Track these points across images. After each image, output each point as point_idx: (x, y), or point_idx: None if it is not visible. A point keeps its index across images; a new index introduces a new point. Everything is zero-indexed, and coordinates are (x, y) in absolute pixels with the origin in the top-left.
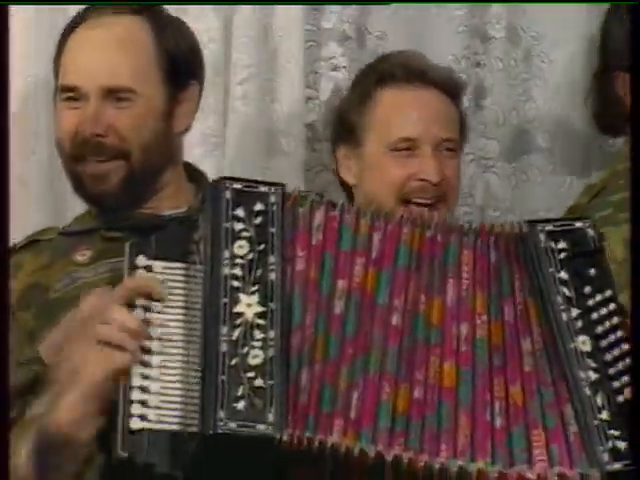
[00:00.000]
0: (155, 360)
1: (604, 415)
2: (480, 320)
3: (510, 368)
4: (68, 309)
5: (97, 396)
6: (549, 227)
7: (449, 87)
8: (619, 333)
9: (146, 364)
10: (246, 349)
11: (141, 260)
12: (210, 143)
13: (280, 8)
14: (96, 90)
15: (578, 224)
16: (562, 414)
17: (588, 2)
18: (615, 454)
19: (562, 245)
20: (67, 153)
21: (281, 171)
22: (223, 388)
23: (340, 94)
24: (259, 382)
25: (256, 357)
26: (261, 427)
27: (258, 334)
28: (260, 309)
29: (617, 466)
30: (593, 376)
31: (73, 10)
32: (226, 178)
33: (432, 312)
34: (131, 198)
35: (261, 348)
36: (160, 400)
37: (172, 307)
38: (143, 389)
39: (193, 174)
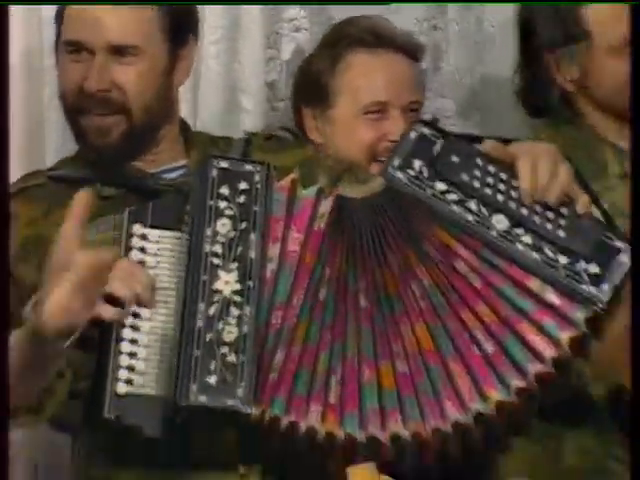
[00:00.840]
0: (145, 326)
1: (563, 260)
2: (419, 271)
3: (468, 295)
4: None
5: (83, 288)
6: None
7: (413, 51)
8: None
9: (135, 329)
10: (221, 325)
11: (137, 229)
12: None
13: None
14: (103, 46)
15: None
16: (532, 292)
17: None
18: (594, 280)
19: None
20: (70, 105)
21: (243, 128)
22: (197, 362)
23: (302, 55)
24: (232, 358)
25: (230, 333)
26: (230, 402)
27: (234, 311)
28: (237, 287)
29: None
30: (529, 239)
31: None
32: (215, 156)
33: (387, 284)
34: (130, 152)
35: (236, 325)
36: (146, 366)
37: (163, 275)
38: (131, 354)
39: (183, 127)
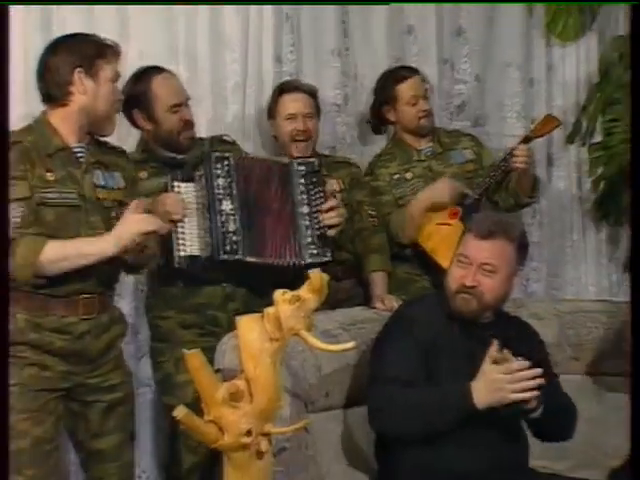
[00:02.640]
0: (186, 226)
1: (309, 239)
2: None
3: (286, 222)
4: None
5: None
6: (301, 167)
7: (310, 92)
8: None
9: (183, 227)
10: (227, 225)
11: (174, 184)
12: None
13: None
14: None
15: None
16: (295, 239)
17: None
18: (316, 254)
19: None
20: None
21: (262, 121)
22: (219, 241)
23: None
24: (235, 238)
25: (232, 227)
26: (236, 256)
27: (231, 218)
28: (231, 207)
29: (316, 260)
30: (307, 222)
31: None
32: (215, 150)
33: (277, 201)
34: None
35: (233, 223)
36: (191, 241)
37: (189, 203)
38: (183, 239)
39: None
